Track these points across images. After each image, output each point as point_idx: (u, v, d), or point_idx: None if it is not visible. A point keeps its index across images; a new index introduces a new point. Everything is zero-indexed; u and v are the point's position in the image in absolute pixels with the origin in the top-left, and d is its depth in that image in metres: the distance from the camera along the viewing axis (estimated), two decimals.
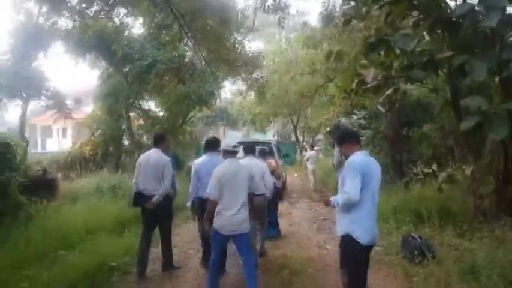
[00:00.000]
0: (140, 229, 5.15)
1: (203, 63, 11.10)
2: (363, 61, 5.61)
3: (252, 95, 21.77)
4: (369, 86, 4.94)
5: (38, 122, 28.23)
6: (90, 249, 5.21)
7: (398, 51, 4.89)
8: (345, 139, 3.41)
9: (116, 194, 8.48)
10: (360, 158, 3.18)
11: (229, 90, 19.17)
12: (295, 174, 19.49)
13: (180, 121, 15.27)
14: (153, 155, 4.86)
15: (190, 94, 10.93)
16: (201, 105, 12.40)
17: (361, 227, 3.07)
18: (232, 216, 3.79)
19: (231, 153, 4.10)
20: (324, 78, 11.59)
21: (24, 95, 10.77)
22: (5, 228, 5.22)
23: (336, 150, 13.92)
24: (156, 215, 4.85)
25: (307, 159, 13.97)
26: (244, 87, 18.67)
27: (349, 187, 3.02)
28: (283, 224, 8.02)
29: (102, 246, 5.35)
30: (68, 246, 5.29)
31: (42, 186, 7.79)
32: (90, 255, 4.94)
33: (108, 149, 14.58)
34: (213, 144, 5.07)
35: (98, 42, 11.82)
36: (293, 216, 9.20)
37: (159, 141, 5.04)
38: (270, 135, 31.96)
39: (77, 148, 13.91)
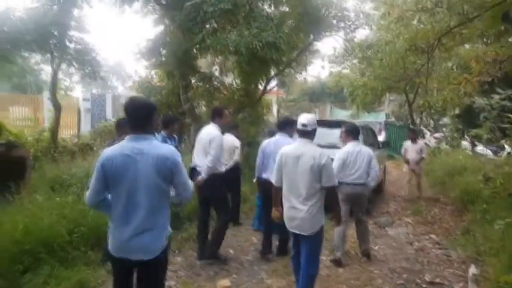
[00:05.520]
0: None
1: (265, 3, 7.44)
2: None
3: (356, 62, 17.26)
4: None
5: None
6: None
7: None
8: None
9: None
10: (111, 149, 2.40)
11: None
12: (405, 169, 14.64)
13: (258, 90, 12.03)
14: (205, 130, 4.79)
15: (240, 46, 7.47)
16: (263, 66, 8.71)
17: (110, 233, 2.48)
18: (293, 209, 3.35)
19: (303, 133, 3.40)
20: (456, 17, 6.66)
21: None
22: None
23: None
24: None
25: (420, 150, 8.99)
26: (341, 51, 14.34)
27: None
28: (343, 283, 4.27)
29: None
30: None
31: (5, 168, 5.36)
32: None
33: None
34: (284, 124, 4.92)
35: None
36: (373, 262, 5.00)
37: (214, 115, 4.86)
38: (382, 116, 26.61)
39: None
